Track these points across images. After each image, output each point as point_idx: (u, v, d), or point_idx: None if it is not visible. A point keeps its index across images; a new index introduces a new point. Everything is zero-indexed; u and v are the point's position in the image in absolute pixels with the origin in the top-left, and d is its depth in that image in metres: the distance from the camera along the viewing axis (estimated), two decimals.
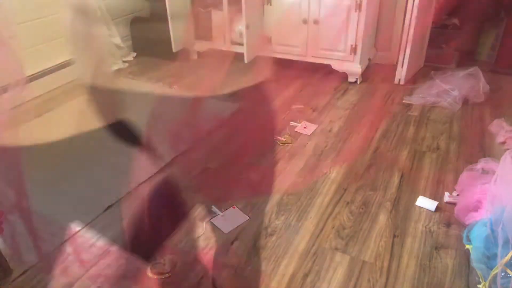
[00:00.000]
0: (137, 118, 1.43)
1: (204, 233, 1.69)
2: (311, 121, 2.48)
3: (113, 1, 3.41)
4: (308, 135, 2.35)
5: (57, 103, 2.82)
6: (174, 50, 3.25)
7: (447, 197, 1.81)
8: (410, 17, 2.65)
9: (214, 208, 1.81)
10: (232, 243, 1.64)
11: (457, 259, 1.54)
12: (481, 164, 1.94)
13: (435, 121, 2.46)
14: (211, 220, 1.76)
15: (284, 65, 3.28)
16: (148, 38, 3.53)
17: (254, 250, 1.60)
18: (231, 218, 1.77)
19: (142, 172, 2.07)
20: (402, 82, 2.92)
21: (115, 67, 3.35)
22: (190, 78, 3.17)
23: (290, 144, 2.27)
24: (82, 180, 2.03)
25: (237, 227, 1.71)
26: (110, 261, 1.57)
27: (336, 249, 1.59)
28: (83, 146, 2.31)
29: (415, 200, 1.82)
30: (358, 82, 2.99)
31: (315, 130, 2.39)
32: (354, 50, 2.86)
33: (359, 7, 2.70)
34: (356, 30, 2.79)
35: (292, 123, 2.47)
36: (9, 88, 2.52)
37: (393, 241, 1.63)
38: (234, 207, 1.82)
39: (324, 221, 1.72)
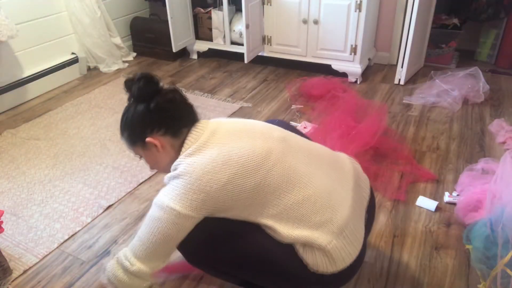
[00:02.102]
0: None
1: None
2: (311, 121, 2.48)
3: (113, 1, 3.41)
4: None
5: (57, 103, 2.82)
6: (174, 50, 3.25)
7: (447, 197, 1.81)
8: (410, 17, 2.65)
9: None
10: None
11: (457, 259, 1.54)
12: (481, 164, 1.94)
13: (435, 121, 2.46)
14: None
15: (284, 65, 3.28)
16: (148, 38, 3.54)
17: None
18: None
19: (142, 171, 2.08)
20: (402, 82, 2.92)
21: (115, 67, 3.35)
22: (190, 78, 3.17)
23: None
24: (82, 180, 2.03)
25: None
26: None
27: None
28: (83, 146, 2.32)
29: (415, 200, 1.83)
30: (358, 82, 2.99)
31: (315, 130, 2.39)
32: (354, 50, 2.87)
33: (359, 7, 2.70)
34: (356, 30, 2.79)
35: (292, 123, 2.47)
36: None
37: (393, 241, 1.63)
38: None
39: None
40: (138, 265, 1.04)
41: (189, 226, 1.02)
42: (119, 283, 1.06)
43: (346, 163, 1.22)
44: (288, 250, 1.05)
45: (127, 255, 1.06)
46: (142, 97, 1.10)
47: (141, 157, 1.18)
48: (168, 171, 1.09)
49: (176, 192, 1.00)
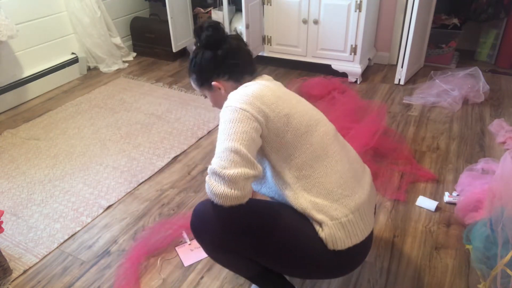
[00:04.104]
0: None
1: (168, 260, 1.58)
2: None
3: (113, 1, 3.41)
4: None
5: (57, 103, 2.82)
6: (174, 50, 3.25)
7: (447, 197, 1.81)
8: (410, 17, 2.65)
9: (184, 234, 1.67)
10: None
11: (457, 259, 1.54)
12: (481, 164, 1.94)
13: (435, 121, 2.46)
14: (176, 248, 1.62)
15: (284, 65, 3.28)
16: (148, 38, 3.54)
17: None
18: (197, 249, 1.60)
19: (142, 171, 2.08)
20: (402, 82, 2.92)
21: (115, 67, 3.35)
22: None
23: None
24: (82, 180, 2.03)
25: (199, 261, 1.56)
26: None
27: None
28: (82, 145, 2.32)
29: (415, 200, 1.82)
30: (358, 82, 2.99)
31: None
32: (354, 50, 2.87)
33: (359, 7, 2.70)
34: (356, 30, 2.79)
35: None
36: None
37: (393, 241, 1.63)
38: None
39: None
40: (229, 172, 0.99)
41: (256, 129, 1.05)
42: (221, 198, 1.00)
43: (367, 169, 1.33)
44: (310, 232, 1.10)
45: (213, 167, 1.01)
46: (209, 44, 1.19)
47: (205, 96, 1.29)
48: None
49: (241, 98, 1.08)
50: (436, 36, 3.08)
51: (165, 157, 2.19)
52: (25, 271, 1.54)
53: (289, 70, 3.24)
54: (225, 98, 1.16)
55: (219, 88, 1.22)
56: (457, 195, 1.81)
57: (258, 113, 1.06)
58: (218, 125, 2.47)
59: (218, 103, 1.26)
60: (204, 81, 1.24)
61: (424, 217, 1.74)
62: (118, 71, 3.34)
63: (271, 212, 1.13)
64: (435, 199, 1.82)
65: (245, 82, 1.20)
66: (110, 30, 3.33)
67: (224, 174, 0.96)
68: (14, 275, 1.52)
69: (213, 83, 1.21)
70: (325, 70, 3.07)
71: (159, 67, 3.41)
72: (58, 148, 2.30)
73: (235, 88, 1.19)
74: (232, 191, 0.96)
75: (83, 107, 2.75)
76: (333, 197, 1.10)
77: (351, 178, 1.16)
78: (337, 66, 3.00)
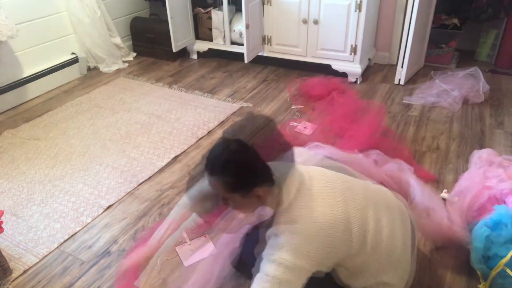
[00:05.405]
0: None
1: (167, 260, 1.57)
2: (311, 121, 2.48)
3: (113, 1, 3.41)
4: (308, 135, 2.34)
5: (57, 103, 2.82)
6: (174, 50, 3.25)
7: (444, 194, 1.81)
8: (410, 17, 2.65)
9: (184, 234, 1.66)
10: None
11: (457, 259, 1.53)
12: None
13: (435, 121, 2.46)
14: (176, 248, 1.62)
15: (284, 65, 3.28)
16: (148, 38, 3.54)
17: None
18: (198, 248, 1.61)
19: (142, 171, 2.07)
20: (402, 82, 2.92)
21: (115, 67, 3.36)
22: (190, 78, 3.17)
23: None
24: (82, 180, 2.03)
25: (199, 261, 1.55)
26: None
27: None
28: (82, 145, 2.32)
29: None
30: (358, 82, 2.99)
31: (315, 130, 2.39)
32: (354, 50, 2.87)
33: (359, 7, 2.70)
34: (356, 30, 2.79)
35: (292, 123, 2.47)
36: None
37: None
38: (205, 236, 1.67)
39: None
40: None
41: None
42: None
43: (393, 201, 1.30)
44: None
45: None
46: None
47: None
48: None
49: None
50: (436, 36, 3.08)
51: (165, 157, 2.19)
52: (25, 271, 1.54)
53: (289, 70, 3.24)
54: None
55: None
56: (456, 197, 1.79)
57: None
58: (218, 125, 2.48)
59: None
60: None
61: None
62: (118, 71, 3.34)
63: None
64: None
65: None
66: (110, 30, 3.33)
67: None
68: (14, 275, 1.52)
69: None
70: (325, 70, 3.07)
71: (159, 67, 3.41)
72: (58, 148, 2.30)
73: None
74: None
75: (83, 107, 2.75)
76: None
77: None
78: (337, 66, 3.00)
